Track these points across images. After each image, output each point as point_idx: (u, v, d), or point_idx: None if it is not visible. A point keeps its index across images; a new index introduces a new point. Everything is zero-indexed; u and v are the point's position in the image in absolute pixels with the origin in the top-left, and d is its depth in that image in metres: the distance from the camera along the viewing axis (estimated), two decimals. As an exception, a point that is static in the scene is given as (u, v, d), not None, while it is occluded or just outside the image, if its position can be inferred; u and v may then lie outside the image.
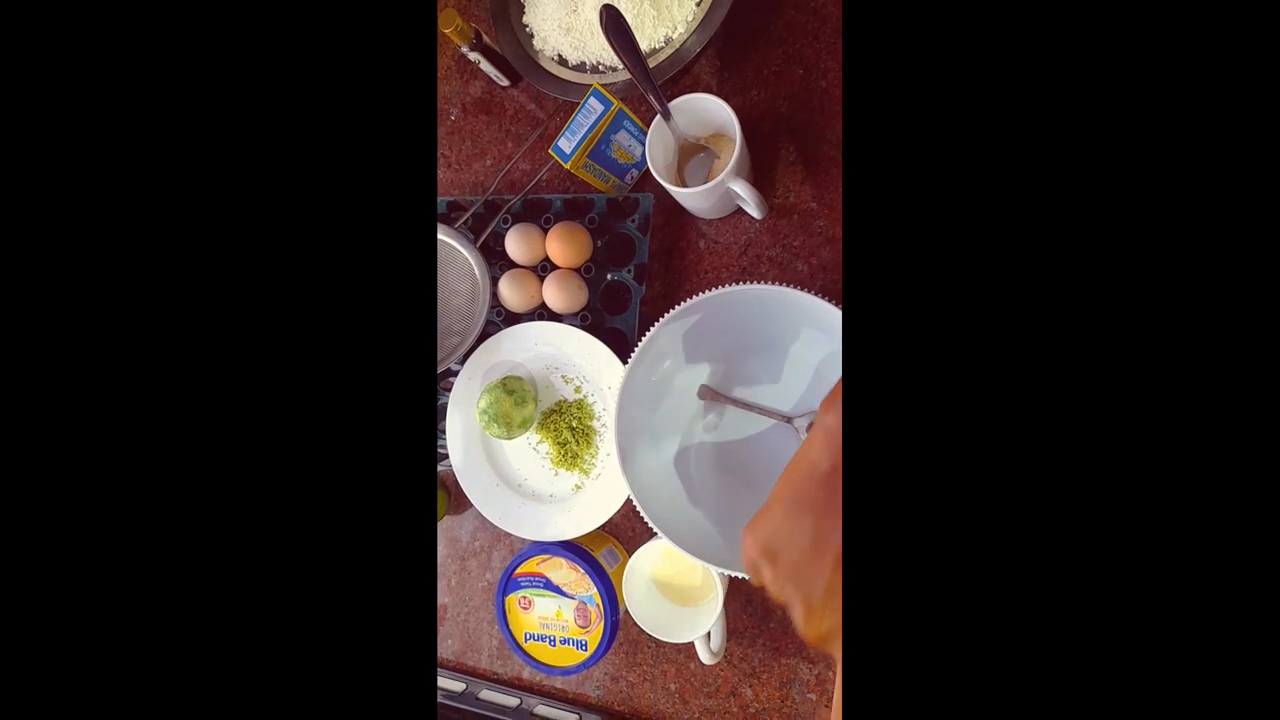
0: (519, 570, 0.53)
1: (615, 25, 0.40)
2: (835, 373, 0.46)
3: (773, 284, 0.42)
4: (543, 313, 0.54)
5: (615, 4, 0.52)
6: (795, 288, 0.42)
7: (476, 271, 0.54)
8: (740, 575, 0.42)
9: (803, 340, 0.47)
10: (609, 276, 0.53)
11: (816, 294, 0.41)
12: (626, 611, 0.50)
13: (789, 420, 0.48)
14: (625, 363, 0.45)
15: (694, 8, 0.52)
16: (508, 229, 0.54)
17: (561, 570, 0.52)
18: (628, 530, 0.55)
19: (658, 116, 0.46)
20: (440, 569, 0.60)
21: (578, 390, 0.54)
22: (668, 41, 0.52)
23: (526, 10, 0.57)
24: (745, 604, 0.51)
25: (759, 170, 0.52)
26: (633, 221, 0.52)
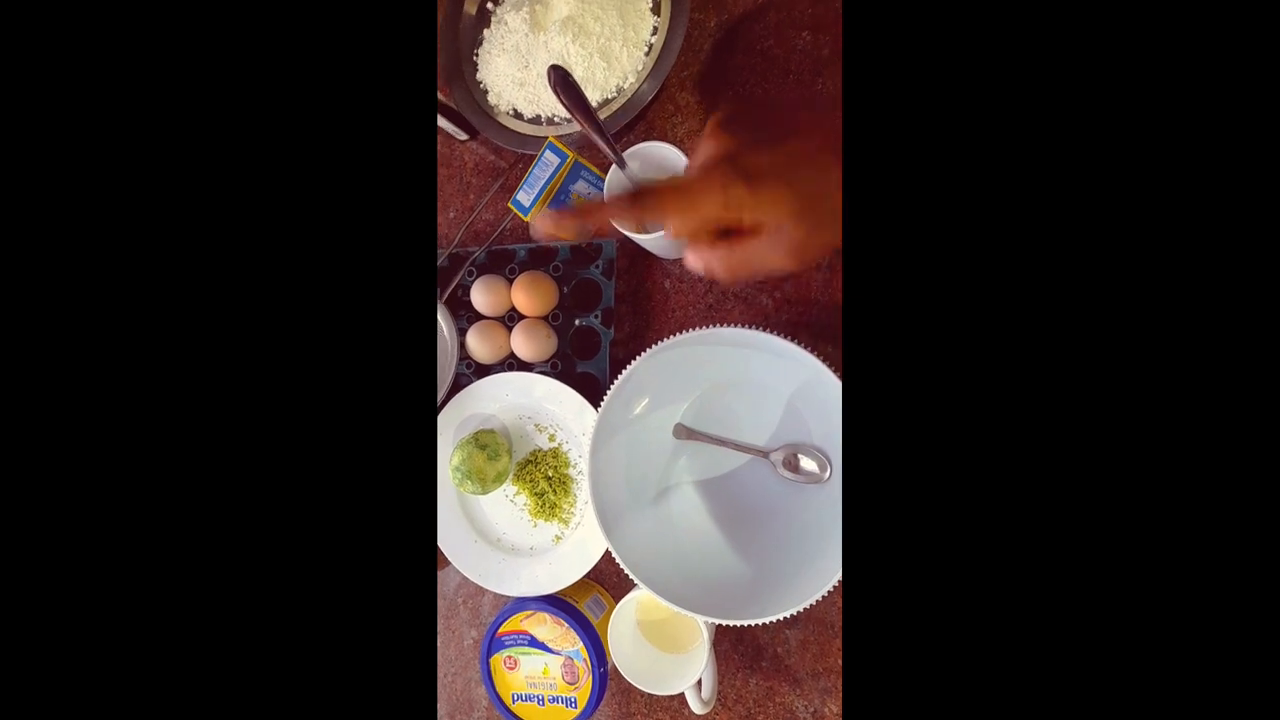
0: (502, 629, 0.52)
1: (564, 83, 0.41)
2: (806, 404, 0.47)
3: (739, 326, 0.42)
4: (512, 362, 0.54)
5: (565, 57, 0.53)
6: (760, 329, 0.42)
7: (444, 325, 0.54)
8: (728, 623, 0.42)
9: (772, 373, 0.47)
10: (577, 322, 0.53)
11: (783, 327, 0.42)
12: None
13: (765, 455, 0.48)
14: (598, 407, 0.45)
15: (643, 56, 0.53)
16: (473, 281, 0.54)
17: (546, 626, 0.51)
18: (612, 576, 0.54)
19: (613, 166, 0.47)
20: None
21: (552, 439, 0.53)
22: (619, 90, 0.53)
23: (480, 68, 0.58)
24: (736, 642, 0.50)
25: (718, 209, 0.53)
26: (597, 267, 0.53)
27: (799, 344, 0.41)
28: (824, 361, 0.40)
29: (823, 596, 0.40)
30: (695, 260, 0.29)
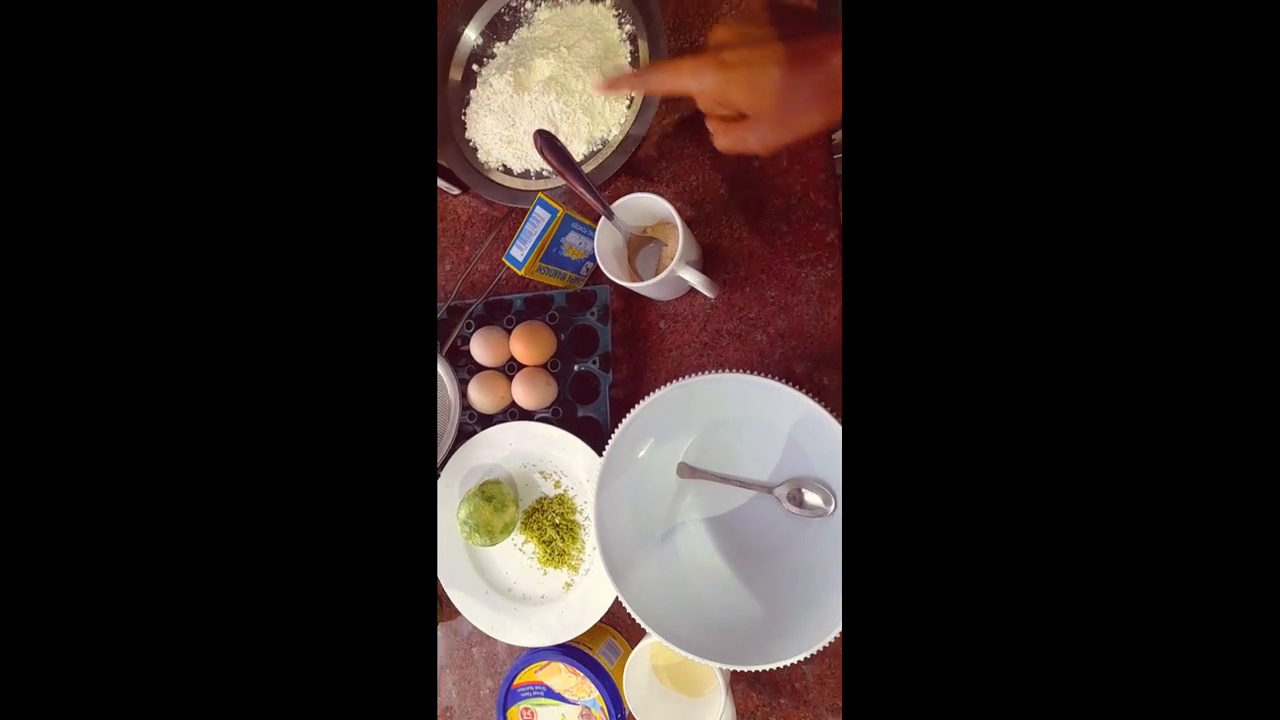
0: (518, 680, 0.52)
1: (550, 145, 0.43)
2: (806, 438, 0.47)
3: (734, 371, 0.42)
4: (514, 411, 0.55)
5: (550, 115, 0.55)
6: (755, 373, 0.42)
7: (445, 378, 0.55)
8: (742, 668, 0.42)
9: (771, 409, 0.47)
10: (576, 368, 0.54)
11: (778, 363, 0.42)
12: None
13: (769, 490, 0.48)
14: (600, 453, 0.46)
15: (625, 109, 0.55)
16: (471, 333, 0.55)
17: (561, 675, 0.50)
18: (625, 619, 0.54)
19: (603, 218, 0.48)
20: (440, 674, 0.58)
21: (557, 485, 0.54)
22: (604, 143, 0.55)
23: (468, 127, 0.60)
24: (753, 681, 0.50)
25: (707, 249, 0.54)
26: (592, 313, 0.54)
27: (795, 386, 0.41)
28: (820, 395, 0.41)
29: (836, 636, 0.40)
30: (716, 136, 0.38)
